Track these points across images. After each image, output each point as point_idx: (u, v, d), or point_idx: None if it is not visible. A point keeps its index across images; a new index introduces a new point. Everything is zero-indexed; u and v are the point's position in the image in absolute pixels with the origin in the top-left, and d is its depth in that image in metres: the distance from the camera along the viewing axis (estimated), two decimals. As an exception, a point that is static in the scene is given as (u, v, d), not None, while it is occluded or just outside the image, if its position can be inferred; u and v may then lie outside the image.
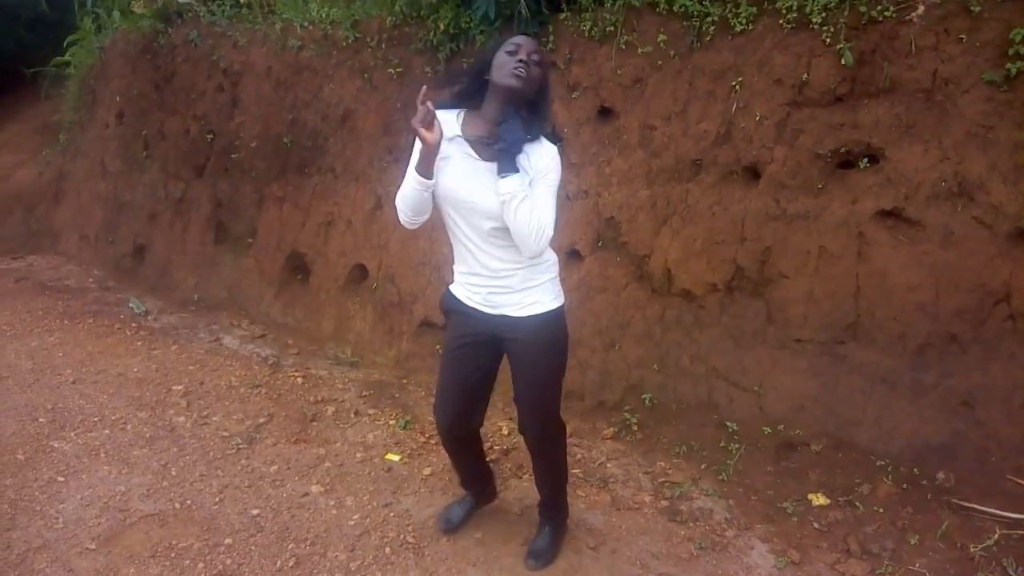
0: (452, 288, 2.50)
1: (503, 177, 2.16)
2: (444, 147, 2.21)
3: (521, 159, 2.21)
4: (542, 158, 2.25)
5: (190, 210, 6.15)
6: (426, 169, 2.17)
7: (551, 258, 2.43)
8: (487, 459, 2.95)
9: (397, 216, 2.33)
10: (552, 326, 2.40)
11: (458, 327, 2.47)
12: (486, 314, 2.39)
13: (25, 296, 5.99)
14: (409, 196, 2.24)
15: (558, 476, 2.70)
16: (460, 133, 2.27)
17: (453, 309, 2.47)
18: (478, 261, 2.34)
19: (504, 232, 2.26)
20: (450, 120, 2.28)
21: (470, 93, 2.32)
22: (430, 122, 2.10)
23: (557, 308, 2.41)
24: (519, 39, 2.22)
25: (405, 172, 2.26)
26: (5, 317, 5.38)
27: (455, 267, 2.46)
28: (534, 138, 2.26)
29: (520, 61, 2.16)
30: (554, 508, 2.75)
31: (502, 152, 2.17)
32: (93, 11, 7.67)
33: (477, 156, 2.25)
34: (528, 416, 2.51)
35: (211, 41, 5.89)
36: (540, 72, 2.23)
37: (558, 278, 2.45)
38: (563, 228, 4.05)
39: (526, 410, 2.50)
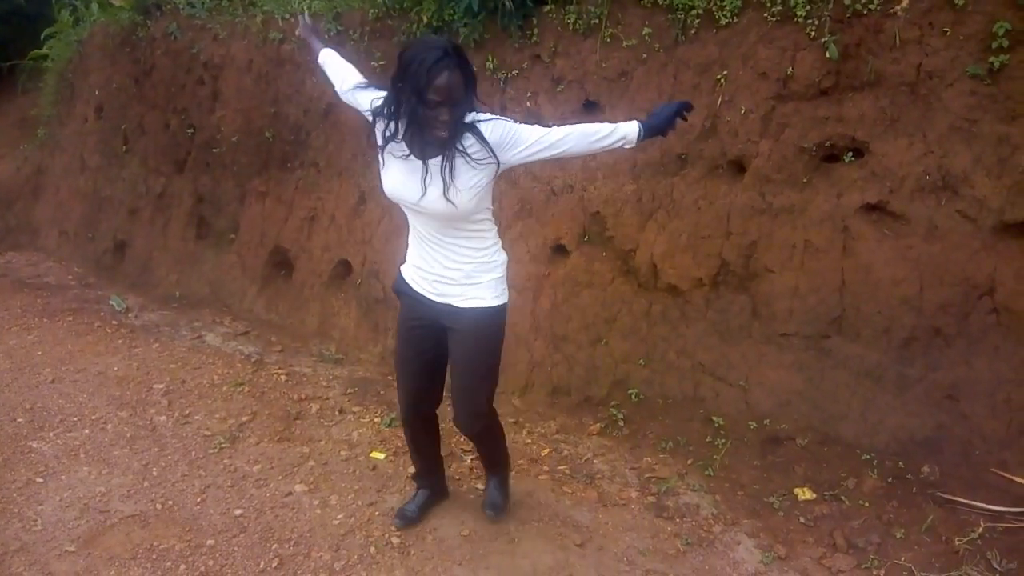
0: (403, 270, 2.56)
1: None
2: (389, 151, 2.30)
3: (471, 147, 2.20)
4: (496, 134, 2.21)
5: (171, 205, 6.07)
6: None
7: (500, 258, 2.46)
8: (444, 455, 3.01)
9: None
10: (489, 323, 2.44)
11: (407, 310, 2.55)
12: (432, 301, 2.45)
13: (3, 294, 5.88)
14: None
15: (496, 450, 2.86)
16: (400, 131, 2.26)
17: (403, 292, 2.55)
18: (428, 252, 2.41)
19: (454, 230, 2.33)
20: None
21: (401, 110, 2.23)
22: None
23: (498, 306, 2.45)
24: (438, 88, 2.05)
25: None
26: (-18, 315, 5.29)
27: (407, 251, 2.52)
28: (471, 125, 2.21)
29: (441, 121, 2.10)
30: (496, 463, 2.91)
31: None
32: (70, 3, 7.55)
33: (413, 155, 2.25)
34: (459, 407, 2.58)
35: (191, 34, 5.80)
36: (463, 107, 2.14)
37: (505, 278, 2.48)
38: (548, 223, 4.03)
39: (457, 401, 2.57)
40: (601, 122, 2.34)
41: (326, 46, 2.90)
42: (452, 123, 2.12)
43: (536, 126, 2.29)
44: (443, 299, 2.43)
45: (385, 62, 4.57)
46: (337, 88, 2.74)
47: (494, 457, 2.89)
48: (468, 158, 2.20)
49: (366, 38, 4.65)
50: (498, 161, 2.24)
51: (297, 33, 2.92)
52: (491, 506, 2.88)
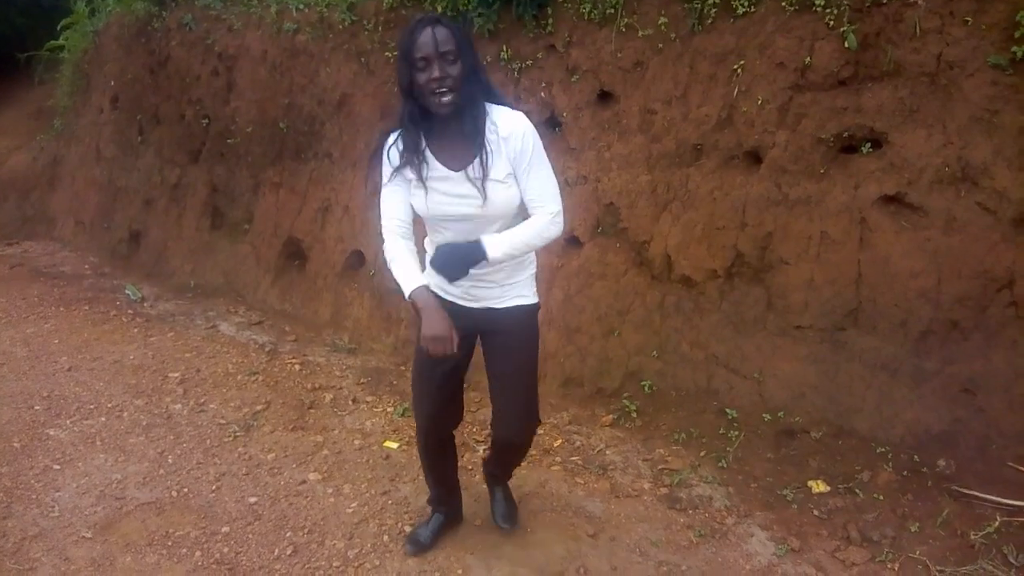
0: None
1: (486, 250, 2.09)
2: (412, 170, 2.12)
3: (489, 137, 2.07)
4: (514, 135, 2.08)
5: (186, 196, 6.10)
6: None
7: (533, 254, 2.34)
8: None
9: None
10: (531, 320, 2.35)
11: None
12: (465, 307, 2.30)
13: (20, 282, 5.95)
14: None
15: (521, 459, 2.69)
16: (425, 147, 2.12)
17: None
18: None
19: (495, 229, 2.18)
20: (415, 139, 2.12)
21: (416, 113, 2.09)
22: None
23: (536, 303, 2.37)
24: (421, 45, 1.95)
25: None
26: (0, 304, 5.35)
27: (429, 259, 2.30)
28: (485, 110, 2.08)
29: (434, 80, 1.96)
30: (511, 472, 2.76)
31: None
32: (87, -6, 7.60)
33: (449, 168, 2.11)
34: (511, 415, 2.39)
35: (206, 25, 5.82)
36: (460, 68, 1.99)
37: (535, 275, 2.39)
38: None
39: (507, 409, 2.39)
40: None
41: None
42: (451, 80, 1.97)
43: (542, 165, 2.15)
44: (480, 304, 2.29)
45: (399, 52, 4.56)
46: (404, 223, 2.24)
47: (514, 466, 2.72)
48: (498, 145, 2.07)
49: (380, 28, 4.64)
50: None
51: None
52: (506, 518, 2.73)
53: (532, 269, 2.37)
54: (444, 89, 1.99)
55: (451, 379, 2.40)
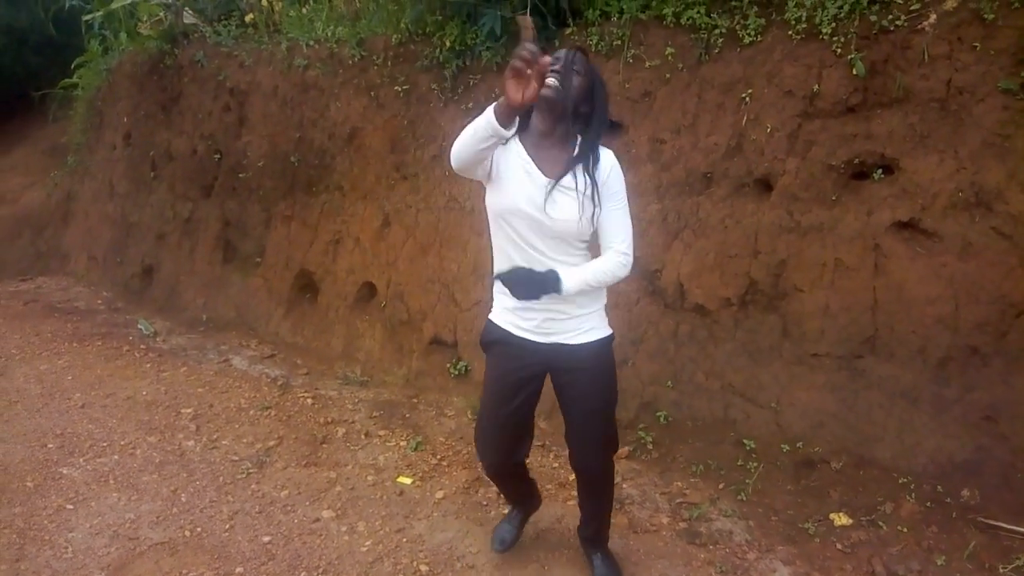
0: (494, 318, 2.34)
1: (561, 281, 2.14)
2: (506, 157, 2.14)
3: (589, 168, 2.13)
4: (606, 170, 2.16)
5: (198, 230, 6.14)
6: (505, 118, 1.91)
7: (605, 288, 2.33)
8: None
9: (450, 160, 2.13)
10: (608, 353, 2.31)
11: (503, 360, 2.32)
12: (537, 343, 2.26)
13: (34, 318, 5.98)
14: (470, 140, 1.99)
15: (610, 505, 2.58)
16: (520, 143, 2.17)
17: (498, 340, 2.32)
18: None
19: (567, 255, 2.20)
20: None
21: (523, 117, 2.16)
22: (524, 74, 1.81)
23: (611, 334, 2.33)
24: (559, 54, 2.06)
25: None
26: (14, 340, 5.37)
27: (498, 297, 2.33)
28: (593, 146, 2.15)
29: (554, 70, 2.01)
30: (605, 535, 2.67)
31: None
32: (100, 33, 7.72)
33: (539, 171, 2.13)
34: (590, 449, 2.36)
35: (217, 61, 5.90)
36: (581, 80, 2.07)
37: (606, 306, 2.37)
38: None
39: (587, 443, 2.35)
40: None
41: None
42: (561, 80, 2.01)
43: (622, 210, 2.23)
44: (551, 338, 2.25)
45: (409, 86, 4.61)
46: None
47: (606, 509, 2.56)
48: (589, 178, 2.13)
49: (389, 63, 4.69)
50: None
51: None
52: None
53: (603, 300, 2.35)
54: (554, 78, 2.01)
55: (527, 415, 2.39)
